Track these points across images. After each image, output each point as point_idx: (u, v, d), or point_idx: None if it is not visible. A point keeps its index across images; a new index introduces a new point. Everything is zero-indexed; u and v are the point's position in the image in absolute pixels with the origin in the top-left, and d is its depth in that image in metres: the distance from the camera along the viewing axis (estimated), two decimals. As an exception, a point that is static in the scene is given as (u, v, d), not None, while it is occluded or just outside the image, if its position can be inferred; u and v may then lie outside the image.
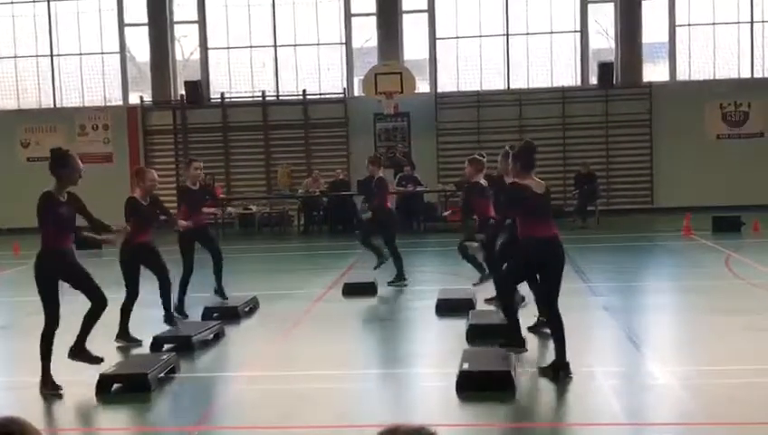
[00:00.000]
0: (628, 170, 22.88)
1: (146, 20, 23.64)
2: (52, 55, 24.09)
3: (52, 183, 7.25)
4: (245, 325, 10.21)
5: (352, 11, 23.33)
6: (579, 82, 23.20)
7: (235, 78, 23.87)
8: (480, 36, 23.28)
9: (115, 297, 8.42)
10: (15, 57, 24.30)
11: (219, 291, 10.89)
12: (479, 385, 6.84)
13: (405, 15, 23.30)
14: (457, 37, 23.35)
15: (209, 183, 11.31)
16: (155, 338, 8.88)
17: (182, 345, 8.65)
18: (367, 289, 11.83)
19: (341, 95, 23.23)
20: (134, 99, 23.93)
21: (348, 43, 23.50)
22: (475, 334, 8.72)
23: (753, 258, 13.95)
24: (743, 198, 20.97)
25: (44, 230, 7.20)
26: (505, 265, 8.30)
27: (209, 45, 23.89)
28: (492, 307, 9.98)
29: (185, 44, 24.40)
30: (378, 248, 12.50)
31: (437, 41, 23.35)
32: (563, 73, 23.25)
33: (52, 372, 7.27)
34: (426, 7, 23.16)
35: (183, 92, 23.45)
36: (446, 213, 13.10)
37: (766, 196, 21.42)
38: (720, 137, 22.74)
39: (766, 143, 22.51)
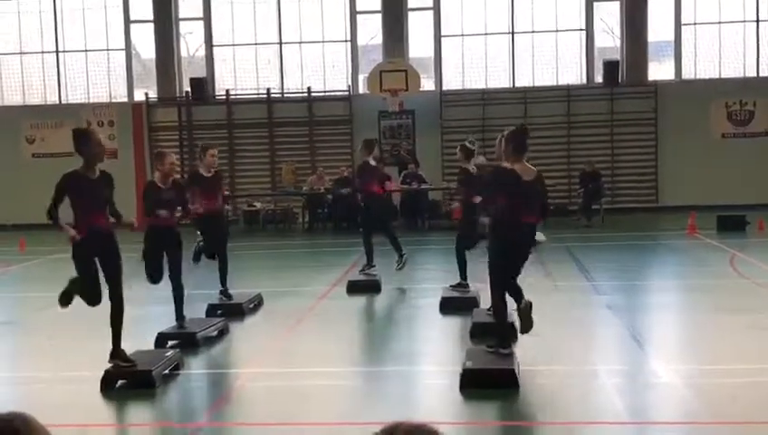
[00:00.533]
0: (632, 169, 22.85)
1: (151, 17, 23.66)
2: (57, 51, 24.12)
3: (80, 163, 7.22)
4: (250, 322, 10.23)
5: (358, 8, 23.32)
6: (584, 81, 23.17)
7: (240, 75, 23.88)
8: (485, 34, 23.27)
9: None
10: (21, 53, 24.33)
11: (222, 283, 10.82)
12: (482, 383, 6.85)
13: (410, 13, 23.29)
14: (463, 35, 23.33)
15: (221, 171, 11.14)
16: (159, 334, 8.90)
17: (186, 342, 8.67)
18: (371, 287, 11.85)
19: (346, 93, 23.23)
20: (139, 95, 23.95)
21: (353, 40, 23.49)
22: (479, 332, 8.73)
23: (758, 257, 13.93)
24: (748, 197, 20.93)
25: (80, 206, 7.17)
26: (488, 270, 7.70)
27: (214, 42, 23.91)
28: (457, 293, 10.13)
29: (190, 41, 24.42)
30: (371, 251, 12.33)
31: (443, 38, 23.34)
32: (569, 72, 23.22)
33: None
34: (431, 5, 23.15)
35: (188, 89, 23.46)
36: (452, 209, 13.04)
37: (771, 195, 21.39)
38: (725, 136, 22.71)
39: (772, 142, 22.48)
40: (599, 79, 22.94)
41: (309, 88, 23.30)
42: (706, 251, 15.21)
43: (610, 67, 22.53)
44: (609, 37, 23.67)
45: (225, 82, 23.88)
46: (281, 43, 23.67)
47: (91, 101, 24.06)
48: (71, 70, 24.23)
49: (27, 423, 1.75)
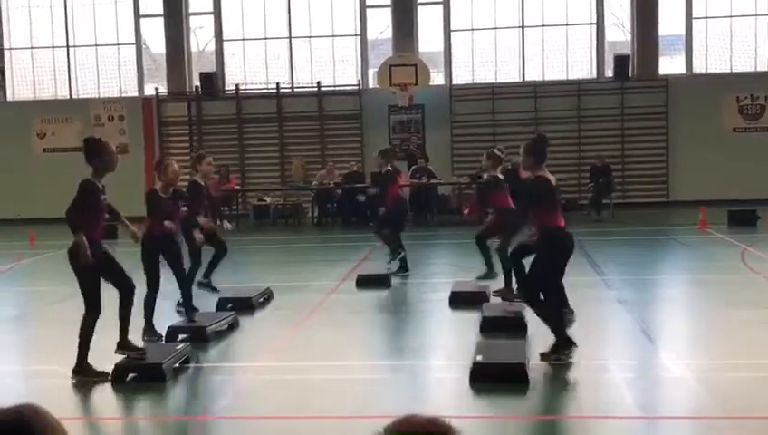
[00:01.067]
0: (643, 164, 22.77)
1: (161, 11, 23.68)
2: (68, 46, 24.16)
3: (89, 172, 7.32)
4: (259, 316, 10.24)
5: (367, 2, 23.28)
6: (594, 75, 23.09)
7: (249, 70, 23.88)
8: (495, 28, 23.20)
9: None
10: (32, 48, 24.38)
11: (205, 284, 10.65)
12: (493, 377, 6.85)
13: (420, 7, 23.24)
14: (472, 29, 23.27)
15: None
16: (170, 328, 8.93)
17: (196, 336, 8.69)
18: (380, 281, 11.85)
19: (356, 87, 23.21)
20: (149, 90, 23.99)
21: (363, 34, 23.46)
22: (489, 326, 8.72)
23: (769, 252, 13.88)
24: (759, 192, 20.84)
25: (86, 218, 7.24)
26: (530, 273, 7.83)
27: (224, 37, 23.91)
28: (498, 299, 10.04)
29: (200, 36, 24.42)
30: (390, 239, 12.50)
31: (452, 33, 23.29)
32: (579, 66, 23.14)
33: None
34: (441, -1, 23.12)
35: (198, 84, 23.48)
36: (465, 211, 13.03)
37: (783, 190, 21.29)
38: (736, 130, 22.60)
39: (783, 137, 22.38)
40: (609, 73, 22.86)
41: (318, 82, 23.29)
42: (717, 246, 15.16)
43: (621, 61, 22.44)
44: (620, 31, 23.59)
45: (234, 77, 23.88)
46: (290, 38, 23.66)
47: (102, 95, 24.11)
48: (81, 65, 24.28)
49: (39, 414, 1.75)
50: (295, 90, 23.56)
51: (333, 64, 23.61)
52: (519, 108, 22.62)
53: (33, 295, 12.43)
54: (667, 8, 22.72)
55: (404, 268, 12.40)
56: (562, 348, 7.41)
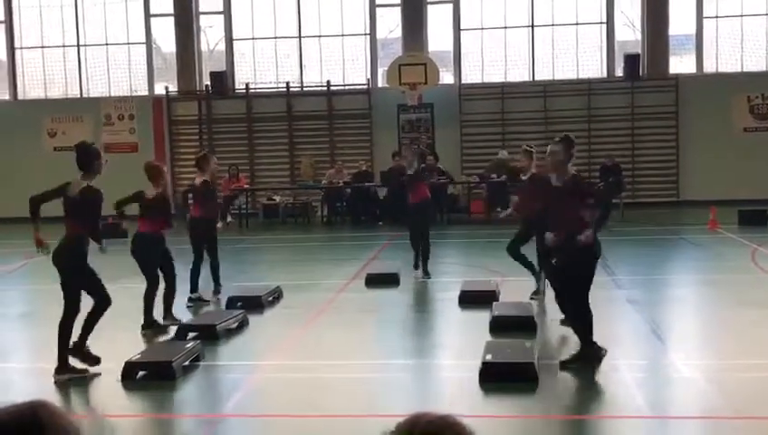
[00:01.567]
0: (653, 163, 22.70)
1: (171, 11, 23.72)
2: (78, 45, 24.23)
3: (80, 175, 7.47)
4: (269, 315, 10.25)
5: (377, 2, 23.27)
6: (605, 74, 23.02)
7: (259, 69, 23.91)
8: (505, 27, 23.16)
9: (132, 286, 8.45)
10: (43, 47, 24.46)
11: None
12: (502, 376, 6.84)
13: (429, 6, 23.22)
14: (482, 28, 23.24)
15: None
16: (180, 326, 8.95)
17: (206, 334, 8.70)
18: (390, 280, 11.83)
19: (365, 86, 23.21)
20: (159, 89, 24.03)
21: (372, 33, 23.46)
22: (498, 326, 8.71)
23: (780, 252, 13.82)
24: (770, 192, 20.74)
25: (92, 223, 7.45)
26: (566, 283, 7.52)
27: (234, 36, 23.95)
28: (534, 301, 9.99)
29: (210, 35, 24.46)
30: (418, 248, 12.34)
31: (462, 32, 23.26)
32: (589, 65, 23.08)
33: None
34: (450, -2, 23.09)
35: (208, 83, 23.52)
36: (506, 212, 11.68)
37: (794, 189, 21.18)
38: (747, 130, 22.51)
39: (794, 136, 22.27)
40: (619, 72, 22.80)
41: (328, 81, 23.30)
42: (727, 246, 15.10)
43: (631, 61, 22.38)
44: (630, 30, 23.52)
45: (244, 76, 23.91)
46: (300, 37, 23.67)
47: (112, 94, 24.17)
48: (91, 64, 24.35)
49: (51, 411, 1.76)
50: (305, 89, 23.57)
51: (343, 63, 23.62)
52: (529, 107, 22.58)
53: (42, 293, 12.45)
54: (677, 7, 22.65)
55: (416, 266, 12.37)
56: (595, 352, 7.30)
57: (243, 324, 9.38)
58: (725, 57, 22.75)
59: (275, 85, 23.62)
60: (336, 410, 6.51)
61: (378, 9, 23.33)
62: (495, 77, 23.19)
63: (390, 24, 23.65)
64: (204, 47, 24.36)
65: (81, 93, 24.36)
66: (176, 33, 23.76)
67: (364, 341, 9.03)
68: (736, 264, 13.11)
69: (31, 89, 24.64)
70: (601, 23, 22.88)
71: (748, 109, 22.47)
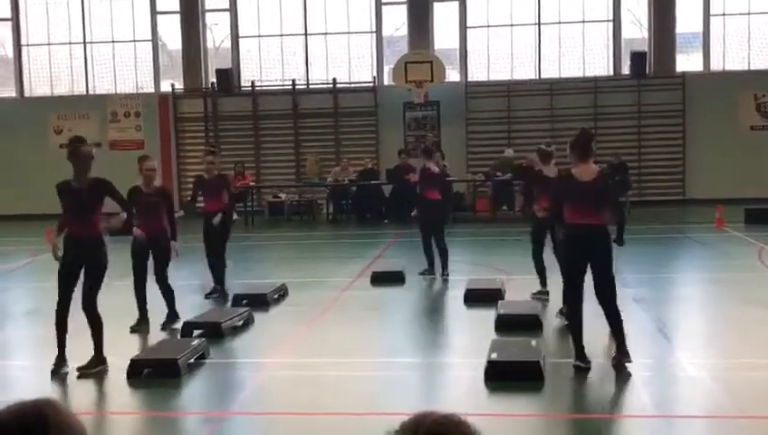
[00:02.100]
0: (660, 161, 22.65)
1: (178, 8, 23.73)
2: (85, 43, 24.26)
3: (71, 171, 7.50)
4: (274, 312, 10.25)
5: (383, 0, 23.29)
6: (611, 72, 22.98)
7: (265, 66, 23.91)
8: (511, 25, 23.13)
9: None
10: (49, 44, 24.49)
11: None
12: (507, 375, 6.83)
13: (436, 4, 23.20)
14: (488, 26, 23.21)
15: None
16: (185, 323, 8.96)
17: (211, 331, 8.70)
18: (395, 278, 11.83)
19: (371, 84, 23.19)
20: (165, 86, 24.05)
21: (378, 31, 23.44)
22: (504, 324, 8.70)
23: (787, 251, 13.78)
24: (776, 191, 20.69)
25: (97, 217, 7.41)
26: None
27: (240, 34, 23.95)
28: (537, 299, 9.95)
29: (216, 33, 24.48)
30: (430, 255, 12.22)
31: (468, 30, 23.22)
32: (595, 63, 23.03)
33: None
34: (457, -4, 23.06)
35: (214, 80, 23.54)
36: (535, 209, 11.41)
37: (801, 188, 21.11)
38: (754, 128, 22.44)
39: (801, 135, 22.19)
40: (626, 70, 22.75)
41: (334, 79, 23.29)
42: (734, 244, 15.06)
43: (638, 58, 22.33)
44: (637, 28, 23.46)
45: (250, 74, 23.91)
46: (306, 35, 23.67)
47: (118, 91, 24.20)
48: (98, 61, 24.38)
49: (56, 408, 1.75)
50: (311, 86, 23.57)
51: (349, 61, 23.61)
52: (535, 105, 22.55)
53: (48, 291, 12.43)
54: (684, 5, 22.59)
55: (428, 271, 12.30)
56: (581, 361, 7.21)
57: (248, 322, 9.38)
58: (732, 55, 22.68)
59: (281, 83, 23.62)
60: (341, 408, 6.51)
61: (384, 7, 23.32)
62: (502, 75, 23.16)
63: (396, 21, 23.63)
64: (210, 44, 24.37)
65: (87, 90, 24.38)
66: (182, 30, 23.78)
67: (369, 339, 9.03)
68: (743, 262, 13.08)
69: (37, 86, 24.68)
70: (608, 20, 22.83)
71: (755, 107, 22.40)
